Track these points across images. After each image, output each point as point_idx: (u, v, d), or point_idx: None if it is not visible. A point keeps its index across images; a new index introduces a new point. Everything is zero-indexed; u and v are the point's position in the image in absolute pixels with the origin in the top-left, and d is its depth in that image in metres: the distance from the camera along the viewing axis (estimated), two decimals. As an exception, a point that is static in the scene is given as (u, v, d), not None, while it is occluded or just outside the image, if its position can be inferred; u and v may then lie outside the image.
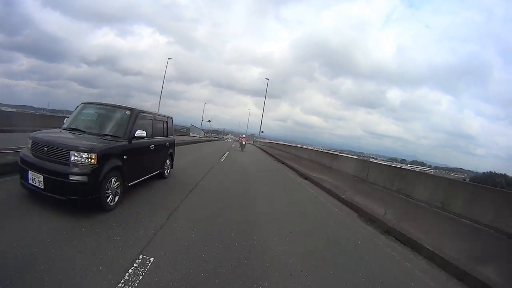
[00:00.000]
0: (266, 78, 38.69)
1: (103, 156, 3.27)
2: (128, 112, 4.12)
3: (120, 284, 2.06)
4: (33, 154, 3.31)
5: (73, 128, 3.92)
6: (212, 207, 4.30)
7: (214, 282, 2.29)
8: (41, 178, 3.07)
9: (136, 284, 2.08)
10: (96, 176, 3.15)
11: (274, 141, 54.14)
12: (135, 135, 3.99)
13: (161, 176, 5.70)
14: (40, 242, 2.46)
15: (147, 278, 2.18)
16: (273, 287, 2.36)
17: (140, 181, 4.52)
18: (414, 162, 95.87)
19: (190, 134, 35.19)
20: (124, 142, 3.81)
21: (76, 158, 3.08)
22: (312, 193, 6.91)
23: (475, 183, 7.59)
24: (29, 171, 3.17)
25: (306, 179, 9.12)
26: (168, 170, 6.07)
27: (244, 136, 23.69)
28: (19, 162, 3.39)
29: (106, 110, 4.24)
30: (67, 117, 4.46)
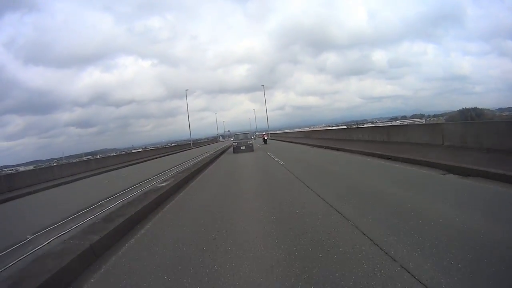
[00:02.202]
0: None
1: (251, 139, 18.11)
2: (249, 132, 19.38)
3: (280, 164, 16.28)
4: (237, 144, 17.96)
5: (240, 139, 18.68)
6: (281, 149, 18.78)
7: (305, 166, 16.77)
8: (244, 146, 17.70)
9: (283, 163, 16.19)
10: (252, 143, 17.98)
11: (275, 132, 70.55)
12: (253, 136, 18.88)
13: (252, 148, 20.37)
14: (244, 156, 16.95)
15: (284, 164, 15.73)
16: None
17: (253, 147, 19.26)
18: (414, 116, 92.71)
19: (220, 140, 50.78)
20: (251, 139, 18.57)
21: (249, 141, 17.90)
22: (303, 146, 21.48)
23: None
24: (241, 146, 17.83)
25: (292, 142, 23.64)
26: (253, 147, 20.76)
27: (265, 133, 31.35)
28: (233, 147, 18.07)
29: (244, 133, 19.33)
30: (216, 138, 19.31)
